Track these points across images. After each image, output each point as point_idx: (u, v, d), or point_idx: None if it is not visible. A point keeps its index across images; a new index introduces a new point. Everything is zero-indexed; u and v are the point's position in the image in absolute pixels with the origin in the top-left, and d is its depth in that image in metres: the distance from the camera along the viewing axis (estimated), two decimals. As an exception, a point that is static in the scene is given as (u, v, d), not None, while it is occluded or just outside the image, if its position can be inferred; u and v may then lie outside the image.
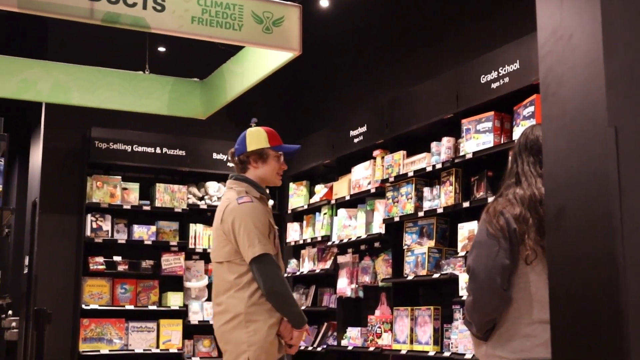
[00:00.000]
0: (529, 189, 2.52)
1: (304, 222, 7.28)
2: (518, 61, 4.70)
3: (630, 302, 1.17)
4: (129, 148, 7.22)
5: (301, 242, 7.24)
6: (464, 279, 4.92)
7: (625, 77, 1.29)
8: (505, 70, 4.80)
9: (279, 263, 3.50)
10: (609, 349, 1.19)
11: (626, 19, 1.32)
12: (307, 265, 7.14)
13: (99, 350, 6.82)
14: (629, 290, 1.17)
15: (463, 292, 4.91)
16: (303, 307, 6.99)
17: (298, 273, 7.24)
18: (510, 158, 2.70)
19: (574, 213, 1.33)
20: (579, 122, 1.37)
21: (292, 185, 7.56)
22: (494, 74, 4.88)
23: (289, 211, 7.57)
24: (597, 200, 1.27)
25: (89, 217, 7.01)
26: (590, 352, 1.24)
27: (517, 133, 4.71)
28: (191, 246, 7.40)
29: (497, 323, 2.53)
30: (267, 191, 3.66)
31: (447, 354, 5.06)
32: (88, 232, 6.98)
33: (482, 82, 4.99)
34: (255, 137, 3.63)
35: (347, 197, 6.48)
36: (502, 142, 4.84)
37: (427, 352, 5.22)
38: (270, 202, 3.76)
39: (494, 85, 4.89)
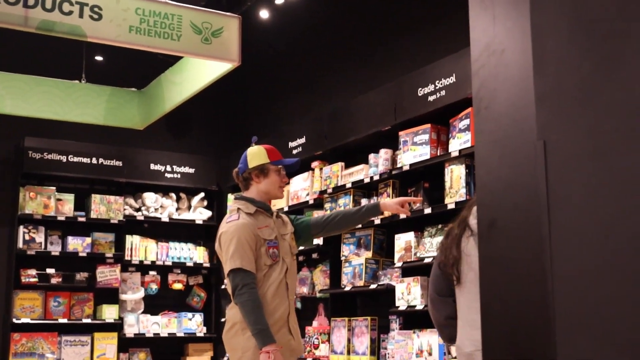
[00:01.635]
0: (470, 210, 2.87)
1: (243, 234, 7.24)
2: (454, 74, 4.79)
3: (557, 308, 1.20)
4: (64, 158, 7.08)
5: (239, 253, 7.19)
6: (400, 289, 4.97)
7: (554, 92, 1.33)
8: (441, 84, 4.89)
9: (280, 269, 3.67)
10: (537, 352, 1.23)
11: (556, 35, 1.36)
12: (245, 276, 7.10)
13: (30, 365, 6.65)
14: (555, 298, 1.21)
15: (400, 303, 4.96)
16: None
17: (236, 285, 7.20)
18: None
19: (505, 224, 1.36)
20: (510, 136, 1.40)
21: (230, 197, 7.52)
22: (431, 87, 4.97)
23: (228, 222, 7.52)
24: (526, 212, 1.31)
25: (22, 229, 6.84)
26: (519, 355, 1.27)
27: (453, 145, 4.79)
28: (127, 258, 7.29)
29: None
30: (270, 204, 3.89)
31: (384, 364, 5.09)
32: (20, 244, 6.81)
33: (419, 94, 5.07)
34: (256, 154, 3.83)
35: (286, 208, 6.48)
36: (438, 154, 4.92)
37: (365, 362, 5.25)
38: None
39: (430, 98, 4.97)
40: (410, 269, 5.00)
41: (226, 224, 3.69)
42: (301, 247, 4.04)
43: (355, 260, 5.50)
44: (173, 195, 7.69)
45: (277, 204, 6.62)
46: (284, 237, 3.80)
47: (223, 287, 7.47)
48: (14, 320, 6.68)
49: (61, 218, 6.99)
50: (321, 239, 5.93)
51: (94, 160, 7.22)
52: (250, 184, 3.82)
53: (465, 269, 2.81)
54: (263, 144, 3.91)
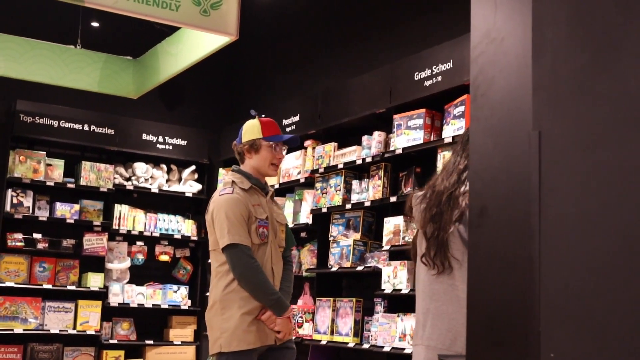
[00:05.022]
0: None
1: (232, 209, 7.24)
2: (451, 61, 4.78)
3: (542, 300, 1.21)
4: (55, 123, 7.04)
5: (227, 228, 7.21)
6: (386, 272, 4.98)
7: (551, 83, 1.33)
8: (438, 69, 4.87)
9: (267, 251, 3.60)
10: (519, 345, 1.23)
11: (555, 27, 1.35)
12: (232, 251, 7.11)
13: (12, 330, 6.64)
14: (542, 289, 1.21)
15: (385, 286, 4.98)
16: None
17: (223, 259, 7.22)
18: None
19: (495, 212, 1.36)
20: (506, 124, 1.40)
21: (221, 171, 7.51)
22: (428, 72, 4.95)
23: (217, 197, 7.53)
24: (517, 201, 1.31)
25: (10, 192, 6.81)
26: (501, 347, 1.28)
27: (446, 131, 4.79)
28: (115, 227, 7.28)
29: None
30: (264, 181, 3.79)
31: (366, 346, 5.12)
32: (8, 208, 6.78)
33: (415, 79, 5.05)
34: (250, 128, 3.73)
35: (276, 186, 6.47)
36: (431, 139, 4.91)
37: (347, 343, 5.28)
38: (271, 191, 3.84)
39: (427, 83, 4.96)
40: (398, 253, 5.02)
41: (219, 196, 3.59)
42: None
43: (343, 241, 5.51)
44: (164, 166, 7.67)
45: (267, 181, 6.60)
46: (275, 220, 3.71)
47: (209, 261, 7.47)
48: (-1, 284, 6.68)
49: (50, 183, 6.96)
50: (310, 217, 5.94)
51: (86, 127, 7.18)
52: (244, 159, 3.74)
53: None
54: (262, 118, 3.80)
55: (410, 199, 2.75)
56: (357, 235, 5.50)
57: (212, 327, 3.57)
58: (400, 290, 4.85)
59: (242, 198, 3.56)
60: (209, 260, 7.69)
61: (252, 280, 3.48)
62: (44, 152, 7.02)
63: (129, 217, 7.37)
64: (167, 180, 7.72)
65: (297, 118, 6.34)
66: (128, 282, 7.35)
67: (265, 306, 3.54)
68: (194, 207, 7.86)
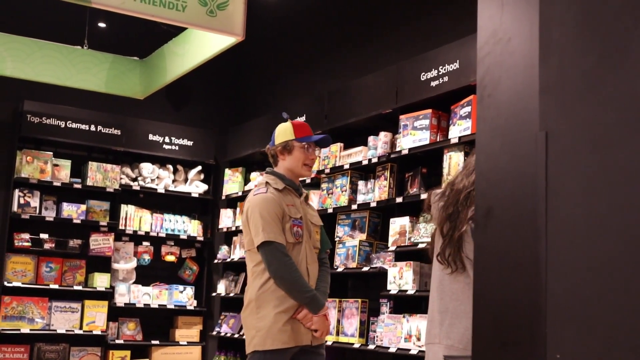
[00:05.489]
0: None
1: (238, 209, 7.26)
2: (458, 61, 4.77)
3: (549, 301, 1.20)
4: (62, 124, 7.05)
5: (234, 228, 7.22)
6: (392, 273, 4.98)
7: (558, 84, 1.32)
8: (445, 70, 4.87)
9: (302, 251, 3.61)
10: (525, 346, 1.23)
11: (563, 27, 1.35)
12: (238, 252, 7.12)
13: (19, 329, 6.66)
14: (548, 290, 1.21)
15: (391, 287, 4.97)
16: (231, 294, 6.97)
17: (229, 260, 7.22)
18: None
19: (502, 213, 1.36)
20: (512, 125, 1.40)
21: (227, 171, 7.53)
22: (434, 72, 4.95)
23: (223, 197, 7.54)
24: (524, 202, 1.31)
25: (17, 192, 6.83)
26: (507, 348, 1.27)
27: (453, 132, 4.78)
28: (121, 227, 7.29)
29: None
30: (298, 182, 3.79)
31: (371, 346, 5.12)
32: (15, 208, 6.80)
33: (422, 79, 5.05)
34: (283, 131, 3.77)
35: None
36: (438, 140, 4.91)
37: (353, 344, 5.28)
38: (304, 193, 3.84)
39: (433, 84, 4.96)
40: (404, 254, 5.01)
41: (253, 196, 3.62)
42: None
43: (349, 242, 5.51)
44: (170, 167, 7.68)
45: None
46: (310, 222, 3.72)
47: (215, 261, 7.48)
48: (5, 284, 6.69)
49: (57, 184, 6.98)
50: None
51: (93, 128, 7.20)
52: (277, 161, 3.77)
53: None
54: (294, 120, 3.85)
55: (430, 196, 2.76)
56: (363, 236, 5.49)
57: (247, 327, 3.57)
58: (406, 291, 4.84)
59: (276, 197, 3.59)
60: (215, 261, 7.73)
61: (287, 278, 3.48)
62: (51, 153, 7.03)
63: (135, 218, 7.39)
64: (173, 181, 7.73)
65: (303, 119, 6.34)
66: (134, 282, 7.37)
67: (300, 305, 3.53)
68: (200, 208, 7.87)
